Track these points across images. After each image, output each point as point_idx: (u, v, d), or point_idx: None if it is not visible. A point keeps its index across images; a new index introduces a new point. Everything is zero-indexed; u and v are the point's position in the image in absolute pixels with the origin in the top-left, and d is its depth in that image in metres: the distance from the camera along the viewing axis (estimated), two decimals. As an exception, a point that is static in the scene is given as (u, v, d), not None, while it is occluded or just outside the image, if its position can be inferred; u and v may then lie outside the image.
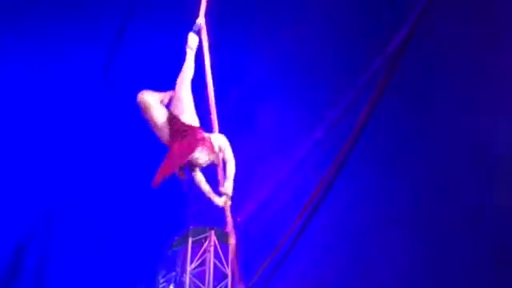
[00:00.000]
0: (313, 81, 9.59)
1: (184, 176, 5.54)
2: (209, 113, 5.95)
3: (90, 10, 9.81)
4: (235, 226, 5.96)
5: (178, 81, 5.64)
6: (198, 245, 10.00)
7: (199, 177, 5.67)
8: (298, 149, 9.46)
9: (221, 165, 5.65)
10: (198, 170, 5.64)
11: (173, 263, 10.18)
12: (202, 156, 5.47)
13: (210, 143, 5.51)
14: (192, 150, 5.42)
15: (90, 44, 9.85)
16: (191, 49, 5.80)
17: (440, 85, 8.71)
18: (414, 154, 8.85)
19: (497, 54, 8.05)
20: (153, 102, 5.56)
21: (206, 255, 9.90)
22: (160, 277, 10.32)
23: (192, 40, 5.85)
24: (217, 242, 9.94)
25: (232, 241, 6.21)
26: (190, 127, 5.50)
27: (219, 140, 5.63)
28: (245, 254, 9.75)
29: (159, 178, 5.37)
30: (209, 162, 5.56)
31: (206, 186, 5.69)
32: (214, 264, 9.84)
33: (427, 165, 8.76)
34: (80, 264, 10.04)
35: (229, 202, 5.67)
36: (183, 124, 5.49)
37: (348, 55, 9.37)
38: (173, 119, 5.52)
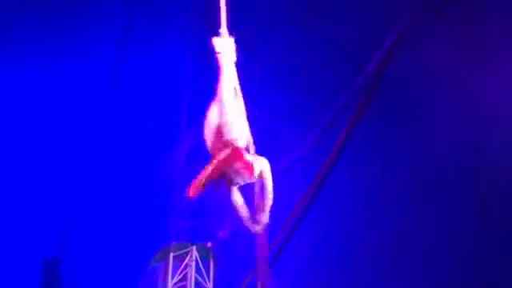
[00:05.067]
0: (298, 94, 9.70)
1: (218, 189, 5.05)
2: None
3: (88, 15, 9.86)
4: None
5: (219, 91, 5.20)
6: (179, 260, 9.97)
7: (236, 197, 5.12)
8: (283, 160, 9.52)
9: (258, 188, 5.17)
10: (235, 189, 5.10)
11: (154, 278, 10.13)
12: (238, 177, 5.00)
13: (251, 167, 5.00)
14: (226, 167, 4.97)
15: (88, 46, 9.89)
16: (222, 53, 5.28)
17: (422, 101, 8.86)
18: (397, 165, 9.00)
19: (480, 71, 8.22)
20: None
21: (187, 270, 9.88)
22: (140, 292, 10.26)
23: (219, 45, 5.30)
24: (198, 258, 9.93)
25: None
26: (232, 144, 5.06)
27: (262, 165, 5.09)
28: (229, 267, 9.78)
29: (193, 189, 4.93)
30: (246, 182, 5.08)
31: (243, 210, 5.14)
32: (196, 279, 9.83)
33: (411, 176, 8.91)
34: (60, 279, 9.96)
35: (262, 231, 5.24)
36: (225, 139, 5.06)
37: (331, 72, 9.50)
38: (218, 131, 5.11)
